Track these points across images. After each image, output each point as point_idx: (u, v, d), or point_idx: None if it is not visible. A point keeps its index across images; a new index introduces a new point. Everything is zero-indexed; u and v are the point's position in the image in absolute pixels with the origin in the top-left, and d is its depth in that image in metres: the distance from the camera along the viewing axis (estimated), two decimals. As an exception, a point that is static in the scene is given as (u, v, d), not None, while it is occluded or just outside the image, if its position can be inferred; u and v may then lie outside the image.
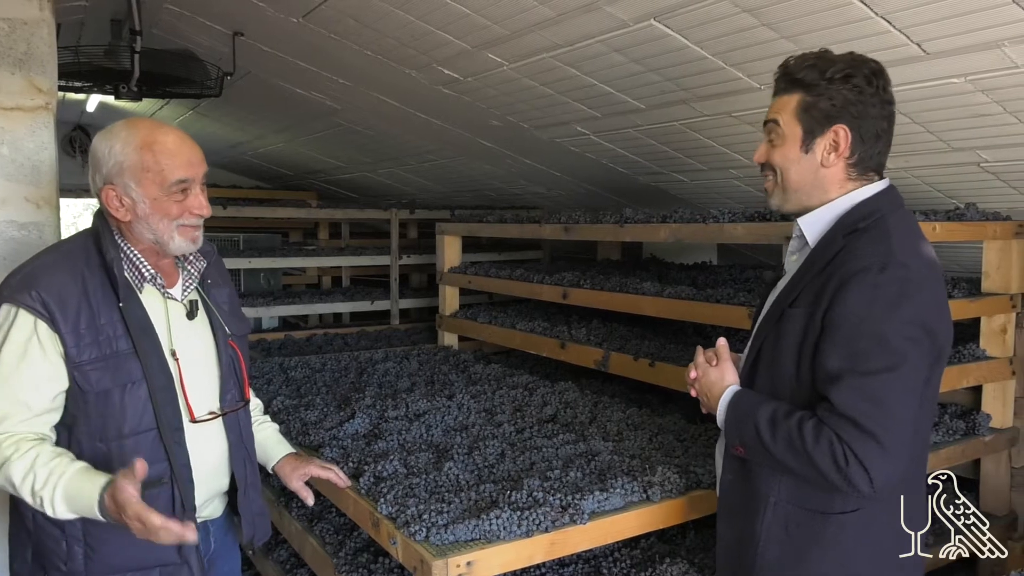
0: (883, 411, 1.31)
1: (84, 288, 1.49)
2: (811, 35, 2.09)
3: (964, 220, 2.44)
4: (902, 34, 1.96)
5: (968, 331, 2.54)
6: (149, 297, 1.58)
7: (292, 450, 1.91)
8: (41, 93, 2.24)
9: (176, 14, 3.68)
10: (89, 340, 1.47)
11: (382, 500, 1.82)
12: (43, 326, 1.45)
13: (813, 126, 1.45)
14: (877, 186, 1.49)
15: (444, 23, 2.76)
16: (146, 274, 1.57)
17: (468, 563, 1.59)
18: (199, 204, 1.57)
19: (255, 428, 1.91)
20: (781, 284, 1.57)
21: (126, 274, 1.54)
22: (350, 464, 2.08)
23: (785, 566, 1.44)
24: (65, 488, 1.41)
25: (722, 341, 1.62)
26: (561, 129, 3.48)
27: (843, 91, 1.43)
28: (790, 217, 1.59)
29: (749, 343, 1.60)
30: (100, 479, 1.41)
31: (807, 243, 1.51)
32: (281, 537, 2.60)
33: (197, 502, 1.61)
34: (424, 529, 1.66)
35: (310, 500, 1.86)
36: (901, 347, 1.33)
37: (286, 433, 2.39)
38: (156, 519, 1.36)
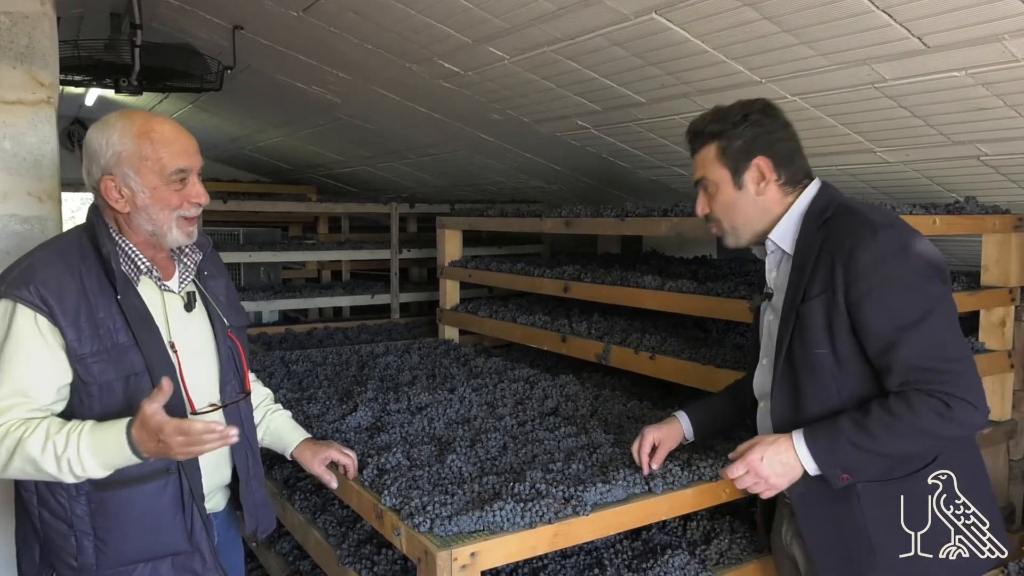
0: (946, 347, 1.43)
1: (81, 282, 1.49)
2: (812, 29, 2.09)
3: (964, 213, 2.45)
4: (903, 27, 1.96)
5: (967, 324, 2.55)
6: (146, 290, 1.58)
7: (308, 435, 1.93)
8: (43, 87, 2.25)
9: (176, 8, 3.68)
10: (89, 333, 1.47)
11: (386, 492, 1.83)
12: (43, 320, 1.45)
13: (736, 164, 1.62)
14: (816, 184, 1.64)
15: (444, 17, 2.76)
16: (142, 267, 1.57)
17: (472, 554, 1.59)
18: (197, 192, 1.58)
19: (269, 416, 1.93)
20: (776, 299, 1.66)
21: (123, 267, 1.54)
22: (353, 457, 2.09)
23: (901, 536, 1.49)
24: (89, 442, 1.41)
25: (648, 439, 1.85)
26: (562, 123, 3.48)
27: (747, 129, 1.61)
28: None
29: (764, 361, 1.69)
30: (120, 422, 1.42)
31: (784, 253, 1.63)
32: (284, 529, 2.61)
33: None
34: (428, 520, 1.67)
35: (334, 483, 1.90)
36: (928, 287, 1.46)
37: (289, 426, 2.40)
38: (197, 425, 1.38)
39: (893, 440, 1.43)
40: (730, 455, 1.61)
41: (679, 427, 1.89)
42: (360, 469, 2.02)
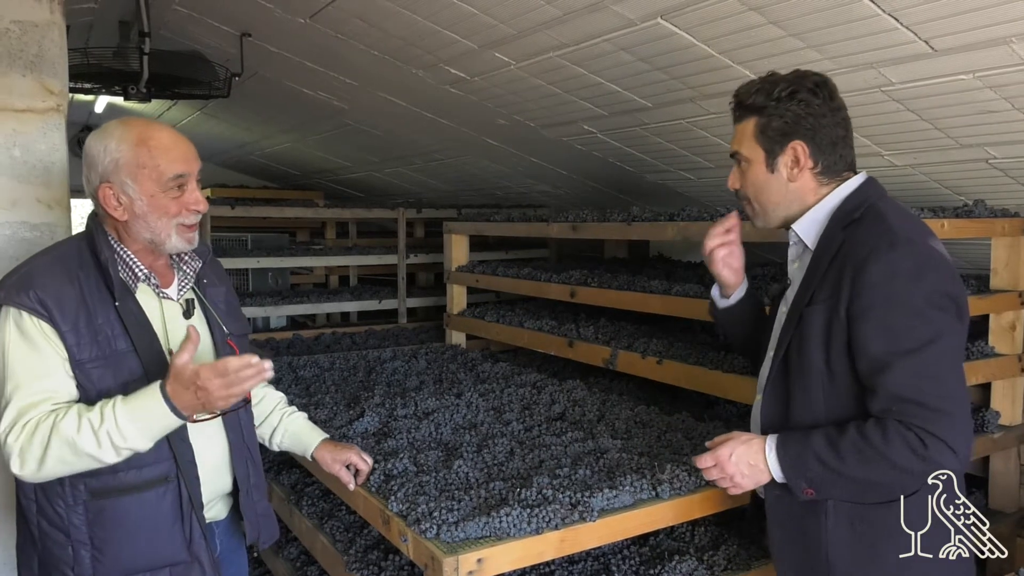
0: (939, 383, 1.35)
1: (80, 289, 1.49)
2: (818, 33, 2.09)
3: (972, 217, 2.43)
4: (910, 31, 1.96)
5: (977, 328, 2.54)
6: (144, 297, 1.58)
7: (326, 436, 1.94)
8: (52, 95, 2.26)
9: (184, 15, 3.70)
10: (88, 339, 1.47)
11: (392, 498, 1.83)
12: (46, 326, 1.45)
13: (772, 146, 1.52)
14: (857, 180, 1.54)
15: (451, 23, 2.77)
16: (139, 274, 1.57)
17: (479, 560, 1.59)
18: (196, 199, 1.57)
19: (286, 419, 1.94)
20: (790, 292, 1.59)
21: (120, 274, 1.54)
22: (360, 462, 2.09)
23: (859, 564, 1.45)
24: (124, 411, 1.40)
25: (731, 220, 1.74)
26: (568, 128, 3.48)
27: (792, 108, 1.50)
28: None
29: (771, 353, 1.61)
30: (151, 386, 1.42)
31: (806, 247, 1.56)
32: (291, 535, 2.61)
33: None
34: (435, 526, 1.67)
35: (351, 484, 1.90)
36: (934, 317, 1.37)
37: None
38: (232, 362, 1.38)
39: (860, 465, 1.38)
40: (707, 443, 1.58)
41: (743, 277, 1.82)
42: (367, 474, 2.02)
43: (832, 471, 1.40)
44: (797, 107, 1.49)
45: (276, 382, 3.05)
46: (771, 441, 1.50)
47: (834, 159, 1.53)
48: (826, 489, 1.45)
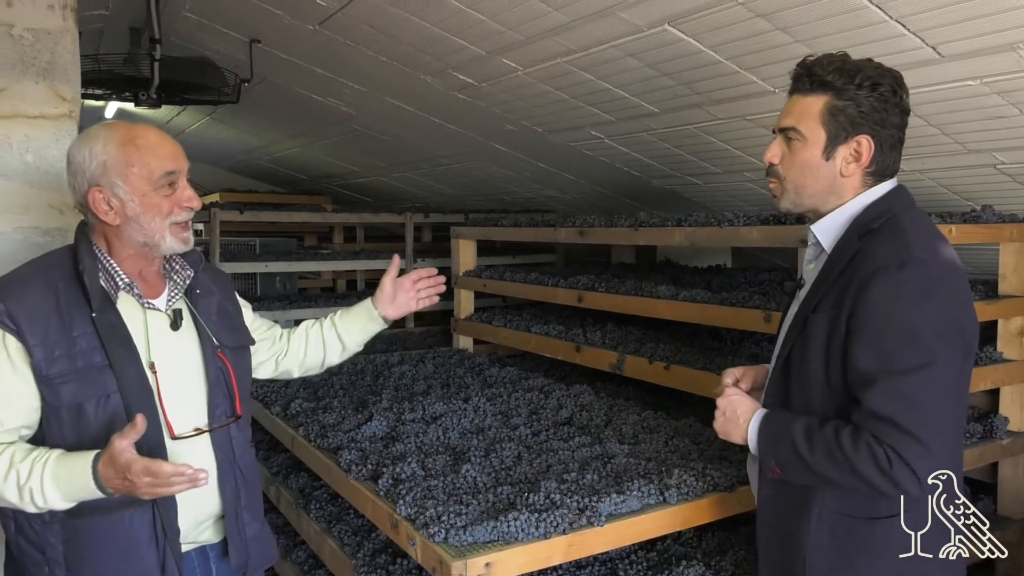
0: (920, 410, 1.32)
1: (56, 300, 1.44)
2: (825, 39, 2.09)
3: (980, 222, 2.43)
4: (917, 37, 1.96)
5: (985, 334, 2.52)
6: (126, 307, 1.51)
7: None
8: (65, 101, 2.28)
9: (194, 22, 3.73)
10: (59, 353, 1.41)
11: (401, 502, 1.83)
12: (11, 339, 1.40)
13: (838, 132, 1.44)
14: (887, 185, 1.49)
15: (459, 29, 2.79)
16: (120, 283, 1.50)
17: (487, 564, 1.60)
18: (188, 196, 1.53)
19: (325, 323, 1.96)
20: (802, 293, 1.57)
21: (100, 283, 1.48)
22: (368, 466, 2.10)
23: (836, 568, 1.44)
24: (53, 472, 1.36)
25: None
26: (575, 133, 3.49)
27: (870, 99, 1.42)
28: (805, 220, 1.61)
29: (776, 353, 1.60)
30: (88, 454, 1.37)
31: (823, 249, 1.52)
32: (299, 538, 2.62)
33: (184, 526, 1.52)
34: (443, 530, 1.67)
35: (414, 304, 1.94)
36: (931, 343, 1.33)
37: (305, 435, 2.42)
38: (166, 467, 1.33)
39: (826, 464, 1.38)
40: (741, 376, 1.65)
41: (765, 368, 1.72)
42: (375, 479, 2.03)
43: (800, 459, 1.41)
44: (876, 100, 1.42)
45: (284, 386, 3.07)
46: (760, 414, 1.52)
47: (889, 162, 1.47)
48: (791, 473, 1.46)
